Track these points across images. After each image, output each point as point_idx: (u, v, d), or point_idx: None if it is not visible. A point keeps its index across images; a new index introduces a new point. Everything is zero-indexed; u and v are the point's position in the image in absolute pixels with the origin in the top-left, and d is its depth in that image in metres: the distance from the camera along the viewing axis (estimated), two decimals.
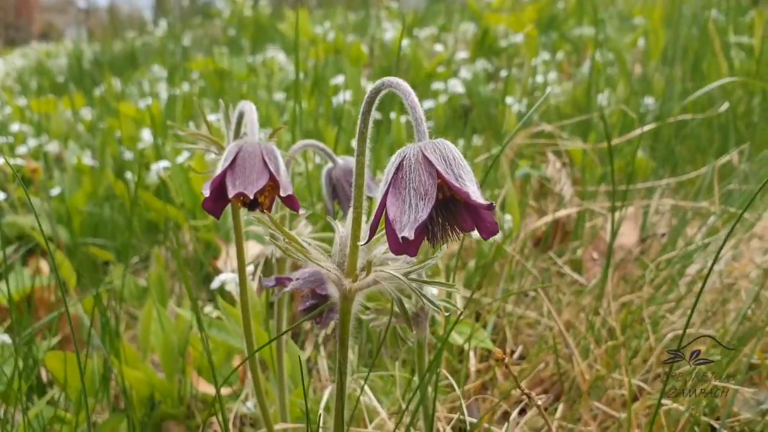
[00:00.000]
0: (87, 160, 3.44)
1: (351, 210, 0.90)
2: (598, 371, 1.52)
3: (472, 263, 1.95)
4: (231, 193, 0.96)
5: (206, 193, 0.98)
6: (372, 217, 0.79)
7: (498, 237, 1.97)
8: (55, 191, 3.05)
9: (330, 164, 1.41)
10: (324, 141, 2.86)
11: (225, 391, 1.78)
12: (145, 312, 1.97)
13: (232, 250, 2.39)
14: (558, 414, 1.46)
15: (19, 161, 3.28)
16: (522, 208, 2.06)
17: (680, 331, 1.52)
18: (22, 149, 3.65)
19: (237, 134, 1.14)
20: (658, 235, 1.84)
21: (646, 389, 1.49)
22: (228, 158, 1.00)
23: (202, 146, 1.14)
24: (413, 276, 0.87)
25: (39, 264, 2.44)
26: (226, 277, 1.72)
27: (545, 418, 1.22)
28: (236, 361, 1.79)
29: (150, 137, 3.71)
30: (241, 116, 1.12)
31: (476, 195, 0.74)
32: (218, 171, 0.99)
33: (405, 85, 0.83)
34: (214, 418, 1.78)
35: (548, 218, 1.91)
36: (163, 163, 2.51)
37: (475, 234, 0.78)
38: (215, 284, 1.74)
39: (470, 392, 1.66)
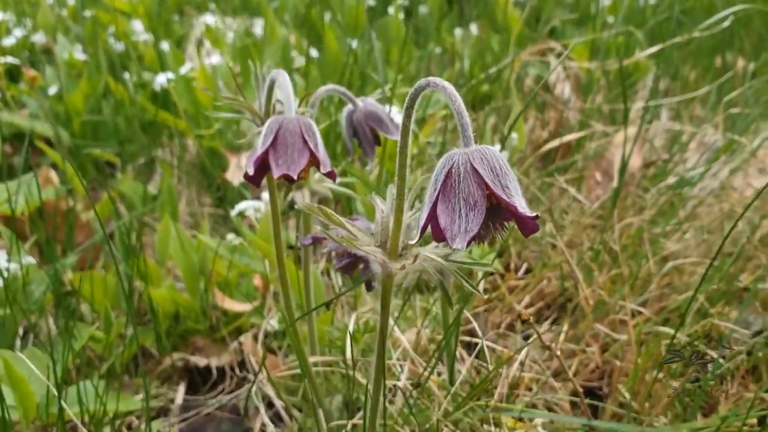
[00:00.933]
0: (78, 55, 3.37)
1: (395, 198, 0.94)
2: (601, 296, 1.62)
3: None
4: (276, 174, 1.00)
5: (250, 171, 1.02)
6: (422, 220, 0.84)
7: (505, 154, 2.03)
8: (52, 90, 3.01)
9: (350, 107, 1.43)
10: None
11: (246, 307, 1.88)
12: (162, 230, 2.04)
13: (242, 159, 2.42)
14: (561, 337, 1.58)
15: (9, 59, 3.22)
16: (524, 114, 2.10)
17: (680, 261, 1.62)
18: (8, 41, 3.55)
19: (269, 100, 1.16)
20: (661, 159, 1.90)
21: (644, 313, 1.61)
22: (269, 136, 1.03)
23: (240, 116, 1.17)
24: (453, 258, 0.94)
25: (47, 173, 2.46)
26: (246, 205, 1.78)
27: (535, 329, 1.31)
28: (257, 281, 1.88)
29: (142, 28, 3.62)
30: (272, 83, 1.14)
31: (523, 208, 0.80)
32: (260, 149, 1.02)
33: (450, 88, 0.86)
34: (238, 332, 1.90)
35: (555, 143, 1.96)
36: (167, 75, 2.49)
37: None
38: (235, 212, 1.80)
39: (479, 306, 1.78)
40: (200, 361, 1.84)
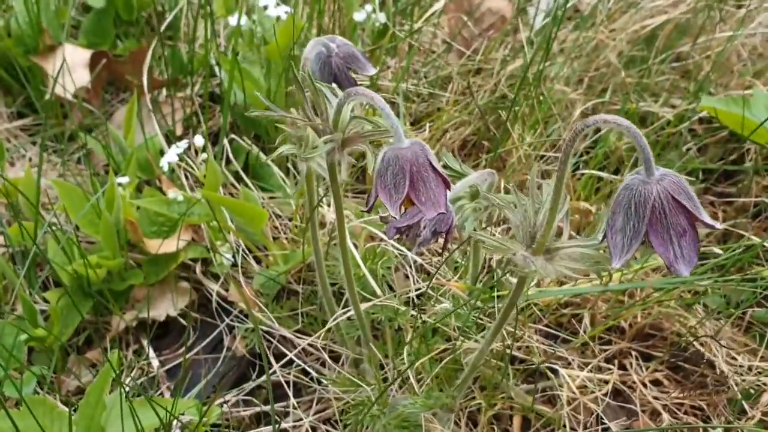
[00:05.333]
0: None
1: (551, 197, 1.02)
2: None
3: None
4: (430, 215, 0.99)
5: (397, 216, 0.99)
6: (625, 253, 0.95)
7: None
8: None
9: (321, 50, 1.33)
10: None
11: (176, 244, 1.77)
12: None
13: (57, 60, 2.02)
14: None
15: None
16: None
17: None
18: None
19: (339, 112, 1.08)
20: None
21: None
22: (400, 176, 0.99)
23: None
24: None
25: None
26: (173, 153, 1.59)
27: None
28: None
29: None
30: (346, 97, 1.05)
31: (709, 219, 0.95)
32: (396, 191, 0.99)
33: (628, 124, 0.93)
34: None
35: None
36: None
37: None
38: (165, 162, 1.61)
39: None
40: (158, 313, 1.75)
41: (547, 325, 1.64)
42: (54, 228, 1.69)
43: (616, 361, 1.61)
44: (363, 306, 1.45)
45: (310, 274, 1.77)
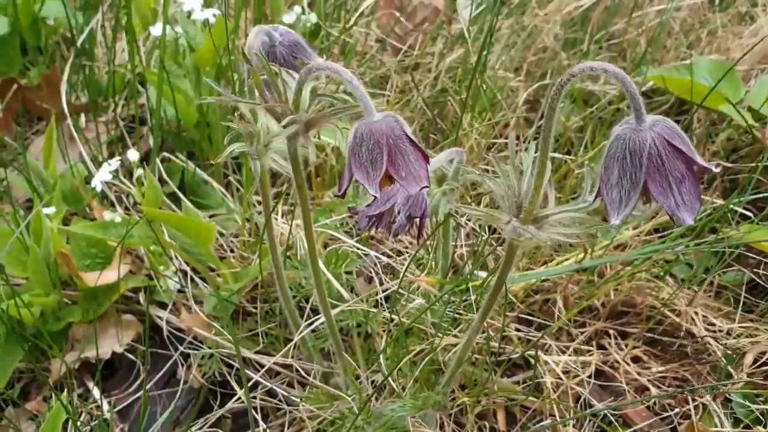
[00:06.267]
0: None
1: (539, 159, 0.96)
2: None
3: None
4: (413, 190, 0.91)
5: (377, 195, 0.91)
6: (624, 207, 0.89)
7: None
8: None
9: (265, 38, 1.23)
10: None
11: (112, 275, 1.63)
12: None
13: None
14: None
15: None
16: None
17: None
18: None
19: (299, 92, 0.99)
20: None
21: None
22: (377, 151, 0.91)
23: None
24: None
25: None
26: (106, 171, 1.45)
27: None
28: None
29: None
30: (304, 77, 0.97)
31: (706, 163, 0.90)
32: (374, 167, 0.90)
33: (620, 72, 0.88)
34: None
35: None
36: None
37: None
38: (97, 183, 1.47)
39: None
40: (102, 351, 1.60)
41: (520, 314, 1.58)
42: None
43: (594, 343, 1.56)
44: (332, 312, 1.35)
45: (264, 291, 1.66)
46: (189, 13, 1.70)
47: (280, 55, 1.22)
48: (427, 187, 0.94)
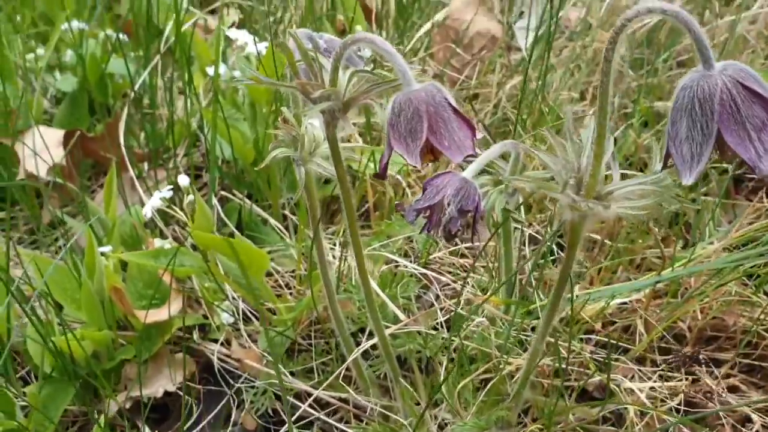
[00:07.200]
0: None
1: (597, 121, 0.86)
2: None
3: None
4: (458, 160, 0.84)
5: (418, 165, 0.84)
6: (697, 164, 0.79)
7: None
8: None
9: (308, 44, 1.20)
10: None
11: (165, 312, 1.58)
12: None
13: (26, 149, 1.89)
14: None
15: None
16: None
17: None
18: None
19: (336, 70, 0.94)
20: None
21: None
22: (416, 120, 0.85)
23: None
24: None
25: None
26: (156, 199, 1.43)
27: None
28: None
29: None
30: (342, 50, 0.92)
31: None
32: (421, 137, 0.84)
33: (681, 11, 0.79)
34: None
35: None
36: None
37: None
38: (148, 210, 1.45)
39: None
40: (153, 390, 1.54)
41: (598, 341, 1.44)
42: (32, 308, 1.50)
43: (682, 370, 1.40)
44: (387, 331, 1.26)
45: (320, 327, 1.58)
46: (245, 53, 1.71)
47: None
48: (473, 156, 0.87)
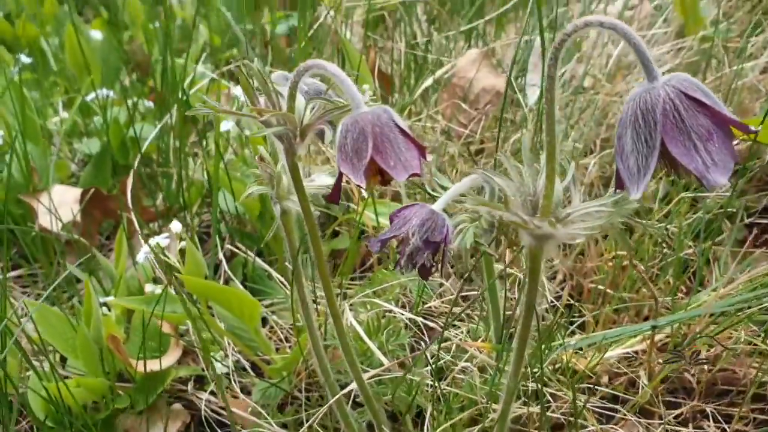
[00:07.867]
0: None
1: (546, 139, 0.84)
2: None
3: None
4: (402, 178, 0.83)
5: (362, 184, 0.83)
6: (643, 176, 0.76)
7: None
8: None
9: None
10: None
11: (169, 359, 1.57)
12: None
13: (43, 201, 1.96)
14: None
15: None
16: None
17: None
18: None
19: (293, 97, 0.95)
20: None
21: None
22: (362, 140, 0.84)
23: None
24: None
25: None
26: (151, 244, 1.45)
27: None
28: (167, 328, 1.57)
29: None
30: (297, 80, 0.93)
31: (736, 118, 0.76)
32: (359, 159, 0.84)
33: (622, 25, 0.78)
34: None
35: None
36: None
37: None
38: (142, 256, 1.47)
39: None
40: None
41: (602, 395, 1.37)
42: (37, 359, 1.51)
43: (690, 425, 1.32)
44: (366, 376, 1.22)
45: (316, 380, 1.54)
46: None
47: None
48: (418, 174, 0.85)
